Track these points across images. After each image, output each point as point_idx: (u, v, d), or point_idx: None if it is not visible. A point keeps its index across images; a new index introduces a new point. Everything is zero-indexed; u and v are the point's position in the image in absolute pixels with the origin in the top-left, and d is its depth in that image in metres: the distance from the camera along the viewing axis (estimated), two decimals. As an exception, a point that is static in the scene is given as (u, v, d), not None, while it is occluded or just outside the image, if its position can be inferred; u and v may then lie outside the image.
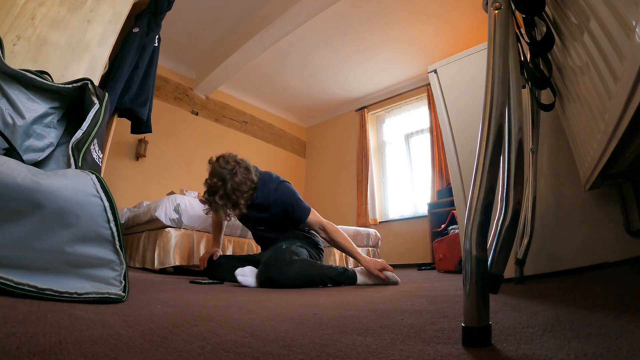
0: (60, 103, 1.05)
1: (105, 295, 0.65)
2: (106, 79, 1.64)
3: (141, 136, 3.54)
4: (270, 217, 1.61)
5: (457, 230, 2.68)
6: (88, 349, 0.35)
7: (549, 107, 0.92)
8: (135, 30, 1.78)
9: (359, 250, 1.49)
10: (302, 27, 3.27)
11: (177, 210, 1.96)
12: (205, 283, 1.34)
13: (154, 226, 2.03)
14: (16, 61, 1.09)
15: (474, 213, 0.42)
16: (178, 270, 2.05)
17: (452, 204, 3.27)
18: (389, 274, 1.39)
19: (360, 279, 1.42)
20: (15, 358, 0.31)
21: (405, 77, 4.51)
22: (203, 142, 4.20)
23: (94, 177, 0.71)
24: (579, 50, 0.66)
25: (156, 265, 1.87)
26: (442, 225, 3.16)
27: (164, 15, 1.98)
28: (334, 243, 1.55)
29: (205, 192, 1.51)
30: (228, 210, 1.50)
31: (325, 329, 0.50)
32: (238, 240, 2.24)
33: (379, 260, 1.41)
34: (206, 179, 1.51)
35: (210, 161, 1.54)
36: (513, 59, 0.53)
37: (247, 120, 4.85)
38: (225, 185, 1.45)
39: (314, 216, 1.57)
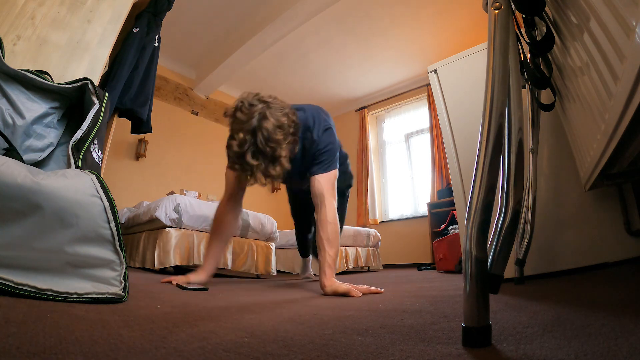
0: (60, 103, 1.05)
1: (106, 295, 0.65)
2: (106, 79, 1.65)
3: (141, 136, 3.54)
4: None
5: (457, 230, 2.68)
6: (88, 349, 0.35)
7: (549, 107, 0.93)
8: (135, 30, 1.78)
9: (331, 269, 1.09)
10: (302, 27, 3.27)
11: (177, 210, 1.96)
12: (190, 289, 1.12)
13: (154, 226, 2.03)
14: (16, 61, 1.09)
15: (474, 213, 0.42)
16: (178, 270, 2.04)
17: (452, 204, 3.26)
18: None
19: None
20: (15, 358, 0.30)
21: (405, 77, 4.51)
22: (203, 142, 4.19)
23: (93, 177, 0.71)
24: (579, 50, 0.66)
25: (156, 265, 1.87)
26: (442, 225, 3.16)
27: (164, 15, 1.98)
28: (317, 235, 1.16)
29: (231, 157, 1.06)
30: (270, 170, 1.04)
31: (325, 329, 0.50)
32: (238, 240, 2.22)
33: (353, 286, 1.03)
34: (228, 140, 1.05)
35: (226, 114, 1.07)
36: (513, 59, 0.53)
37: (247, 120, 4.84)
38: (256, 137, 1.01)
39: (326, 179, 1.19)
